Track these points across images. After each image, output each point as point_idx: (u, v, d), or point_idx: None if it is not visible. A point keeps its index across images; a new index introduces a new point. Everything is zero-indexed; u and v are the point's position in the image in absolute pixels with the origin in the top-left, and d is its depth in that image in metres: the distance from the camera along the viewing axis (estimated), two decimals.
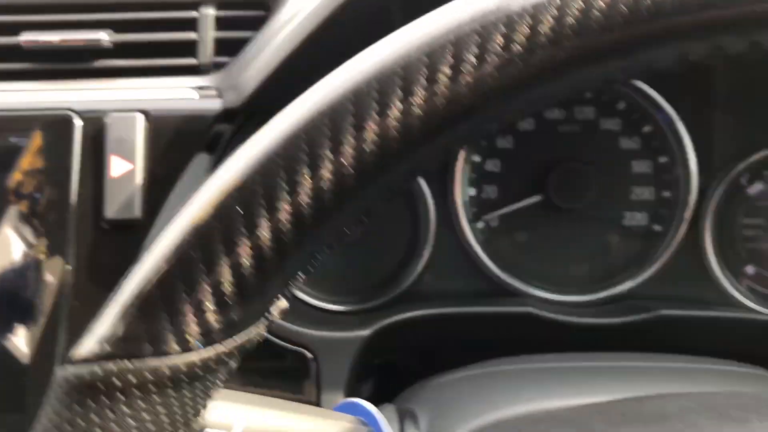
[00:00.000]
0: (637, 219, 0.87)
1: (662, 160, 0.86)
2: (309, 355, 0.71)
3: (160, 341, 0.27)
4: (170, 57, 0.65)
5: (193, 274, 0.27)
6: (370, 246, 0.88)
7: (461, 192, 0.87)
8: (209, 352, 0.28)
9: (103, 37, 0.63)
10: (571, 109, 0.87)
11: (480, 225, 0.88)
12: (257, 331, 0.29)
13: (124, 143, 0.59)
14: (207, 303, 0.27)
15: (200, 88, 0.63)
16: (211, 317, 0.27)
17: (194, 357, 0.27)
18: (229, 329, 0.28)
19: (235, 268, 0.27)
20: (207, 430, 0.38)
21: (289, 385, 0.71)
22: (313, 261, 0.29)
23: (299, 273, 0.29)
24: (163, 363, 0.27)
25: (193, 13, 0.66)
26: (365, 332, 0.70)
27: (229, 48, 0.65)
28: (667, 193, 0.86)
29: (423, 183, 0.86)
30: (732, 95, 0.86)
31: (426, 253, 0.86)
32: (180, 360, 0.27)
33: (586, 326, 0.75)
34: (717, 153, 0.86)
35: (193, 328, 0.27)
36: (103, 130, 0.60)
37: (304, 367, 0.71)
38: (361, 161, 0.26)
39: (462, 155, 0.86)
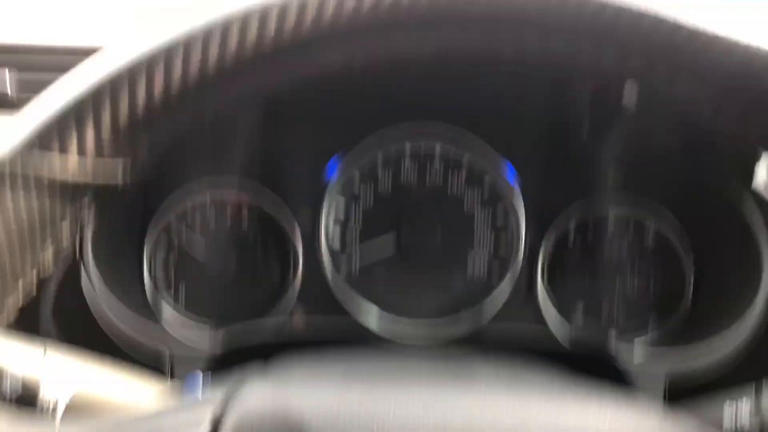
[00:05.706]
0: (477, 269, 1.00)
1: (499, 224, 1.01)
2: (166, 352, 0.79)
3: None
4: None
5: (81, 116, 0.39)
6: (242, 281, 1.00)
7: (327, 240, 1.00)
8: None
9: None
10: (423, 175, 1.02)
11: (343, 271, 1.00)
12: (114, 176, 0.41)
13: None
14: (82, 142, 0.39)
15: None
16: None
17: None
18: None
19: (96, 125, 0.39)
20: None
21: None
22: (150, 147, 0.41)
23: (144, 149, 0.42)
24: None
25: None
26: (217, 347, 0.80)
27: None
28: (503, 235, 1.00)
29: (298, 238, 0.99)
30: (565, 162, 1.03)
31: (293, 292, 0.98)
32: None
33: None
34: (545, 212, 1.01)
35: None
36: None
37: (159, 366, 0.80)
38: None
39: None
